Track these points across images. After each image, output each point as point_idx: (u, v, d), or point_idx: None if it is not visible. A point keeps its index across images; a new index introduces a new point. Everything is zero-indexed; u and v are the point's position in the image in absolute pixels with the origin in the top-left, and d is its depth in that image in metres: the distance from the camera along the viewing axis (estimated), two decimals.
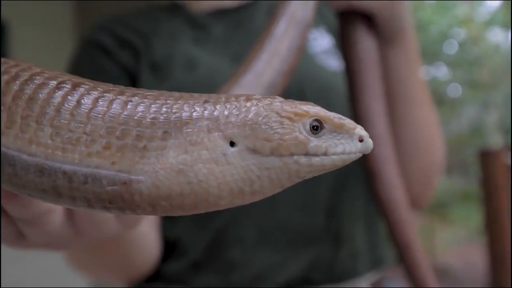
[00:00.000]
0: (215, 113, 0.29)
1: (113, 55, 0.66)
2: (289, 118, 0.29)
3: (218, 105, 0.29)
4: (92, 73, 0.65)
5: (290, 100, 0.30)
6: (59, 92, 0.27)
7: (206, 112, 0.29)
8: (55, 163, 0.27)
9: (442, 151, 0.70)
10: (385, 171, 0.57)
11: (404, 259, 0.58)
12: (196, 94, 0.30)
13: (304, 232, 0.64)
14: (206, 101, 0.29)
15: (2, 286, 2.03)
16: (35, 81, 0.28)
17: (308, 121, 0.29)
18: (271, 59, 0.51)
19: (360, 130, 0.30)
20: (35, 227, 0.35)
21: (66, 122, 0.27)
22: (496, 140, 4.86)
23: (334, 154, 0.29)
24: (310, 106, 0.30)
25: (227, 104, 0.29)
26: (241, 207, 0.62)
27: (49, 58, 2.84)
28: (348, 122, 0.30)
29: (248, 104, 0.29)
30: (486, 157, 2.20)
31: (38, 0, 2.84)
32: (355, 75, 0.59)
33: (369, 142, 0.30)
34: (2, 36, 2.78)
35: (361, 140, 0.30)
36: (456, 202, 5.09)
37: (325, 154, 0.29)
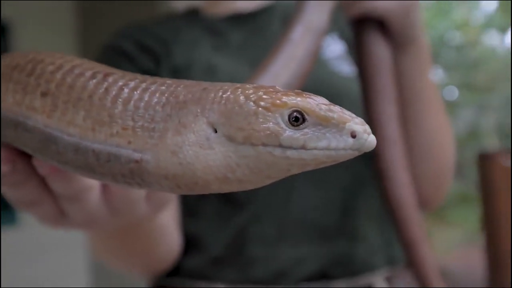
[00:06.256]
0: (206, 99, 0.30)
1: (134, 60, 0.68)
2: (266, 108, 0.28)
3: (212, 92, 0.30)
4: None
5: (282, 90, 0.29)
6: (93, 80, 0.31)
7: (199, 98, 0.30)
8: (86, 142, 0.30)
9: (453, 155, 0.72)
10: (394, 170, 0.59)
11: (409, 256, 0.59)
12: (202, 82, 0.31)
13: (321, 229, 0.66)
14: (204, 88, 0.30)
15: (2, 286, 2.03)
16: (75, 71, 0.32)
17: (286, 112, 0.28)
18: (288, 62, 0.53)
19: (352, 124, 0.27)
20: (76, 204, 0.39)
21: (95, 106, 0.31)
22: (492, 143, 4.89)
23: (315, 148, 0.27)
24: (296, 97, 0.28)
25: (219, 91, 0.30)
26: (261, 204, 0.64)
27: None
28: (340, 115, 0.28)
29: (234, 92, 0.29)
30: (485, 160, 2.22)
31: (40, 1, 2.85)
32: (369, 80, 0.61)
33: (365, 139, 0.27)
34: (4, 36, 2.79)
35: (354, 136, 0.27)
36: (453, 205, 5.11)
37: (303, 147, 0.27)
